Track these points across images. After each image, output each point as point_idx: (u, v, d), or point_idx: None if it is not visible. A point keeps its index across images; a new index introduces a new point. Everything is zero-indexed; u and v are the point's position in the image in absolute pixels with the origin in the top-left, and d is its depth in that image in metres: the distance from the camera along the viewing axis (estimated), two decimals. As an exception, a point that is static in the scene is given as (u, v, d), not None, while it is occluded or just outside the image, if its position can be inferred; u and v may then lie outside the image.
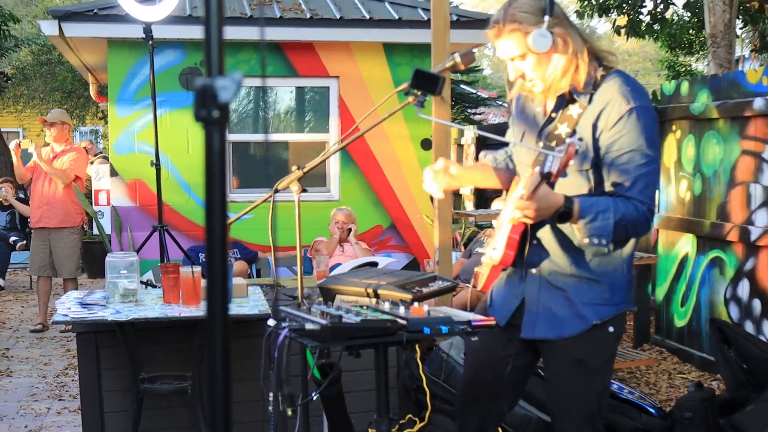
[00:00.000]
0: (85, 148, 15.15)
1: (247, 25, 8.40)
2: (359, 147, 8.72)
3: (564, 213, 2.95)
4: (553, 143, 3.07)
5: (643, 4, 18.42)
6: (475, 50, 4.21)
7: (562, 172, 2.88)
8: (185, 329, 4.68)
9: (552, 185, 3.00)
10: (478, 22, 8.88)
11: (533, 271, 3.19)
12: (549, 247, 3.16)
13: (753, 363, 5.69)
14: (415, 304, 3.16)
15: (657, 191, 3.09)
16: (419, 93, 3.25)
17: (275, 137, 9.01)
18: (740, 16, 17.12)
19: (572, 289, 3.14)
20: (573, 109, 3.10)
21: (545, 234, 3.16)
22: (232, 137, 8.83)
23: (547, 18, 2.99)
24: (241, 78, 1.25)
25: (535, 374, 3.68)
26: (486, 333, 3.30)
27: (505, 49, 3.09)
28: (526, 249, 3.17)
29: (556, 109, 3.16)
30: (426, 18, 8.25)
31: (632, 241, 3.16)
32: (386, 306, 3.14)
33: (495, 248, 3.20)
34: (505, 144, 3.48)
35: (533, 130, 3.23)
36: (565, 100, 3.13)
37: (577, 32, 3.08)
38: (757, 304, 6.27)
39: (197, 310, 4.39)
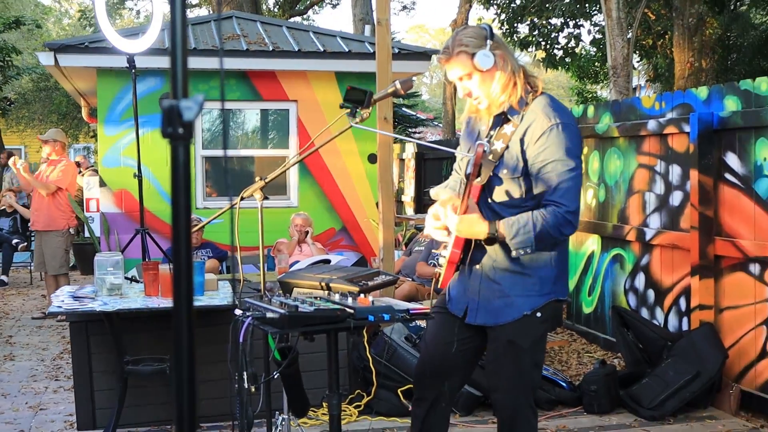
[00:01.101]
0: (78, 162, 15.00)
1: (218, 56, 8.33)
2: (315, 161, 8.68)
3: (490, 239, 3.02)
4: (490, 156, 3.10)
5: (558, 41, 18.63)
6: (414, 78, 4.23)
7: (482, 173, 3.06)
8: (164, 318, 4.64)
9: (490, 190, 3.09)
10: (416, 54, 8.92)
11: (477, 267, 3.18)
12: (488, 246, 3.16)
13: (647, 343, 5.76)
14: (362, 295, 3.14)
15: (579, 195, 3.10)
16: (352, 105, 3.30)
17: (243, 152, 8.97)
18: (637, 52, 17.39)
19: (506, 282, 3.13)
20: (507, 128, 3.12)
21: None
22: (205, 152, 8.77)
23: (489, 42, 3.05)
24: (203, 100, 1.23)
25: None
26: (441, 319, 3.30)
27: (454, 71, 3.12)
28: (472, 249, 3.18)
29: (493, 127, 3.17)
30: (372, 51, 8.24)
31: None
32: (337, 297, 3.13)
33: (446, 247, 3.20)
34: (442, 154, 3.50)
35: None
36: (501, 121, 3.15)
37: (513, 56, 3.13)
38: (651, 294, 6.34)
39: (174, 301, 4.34)
